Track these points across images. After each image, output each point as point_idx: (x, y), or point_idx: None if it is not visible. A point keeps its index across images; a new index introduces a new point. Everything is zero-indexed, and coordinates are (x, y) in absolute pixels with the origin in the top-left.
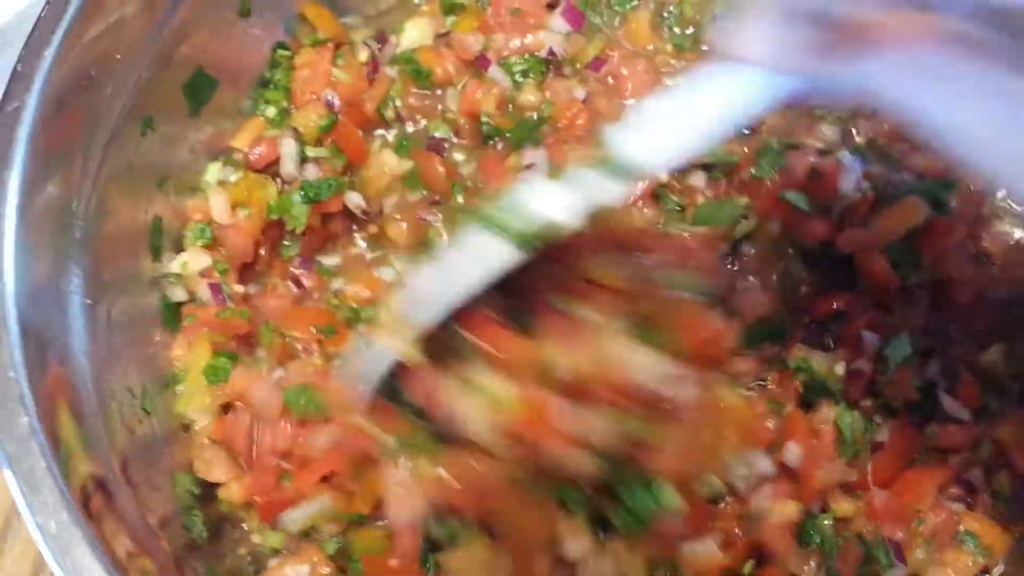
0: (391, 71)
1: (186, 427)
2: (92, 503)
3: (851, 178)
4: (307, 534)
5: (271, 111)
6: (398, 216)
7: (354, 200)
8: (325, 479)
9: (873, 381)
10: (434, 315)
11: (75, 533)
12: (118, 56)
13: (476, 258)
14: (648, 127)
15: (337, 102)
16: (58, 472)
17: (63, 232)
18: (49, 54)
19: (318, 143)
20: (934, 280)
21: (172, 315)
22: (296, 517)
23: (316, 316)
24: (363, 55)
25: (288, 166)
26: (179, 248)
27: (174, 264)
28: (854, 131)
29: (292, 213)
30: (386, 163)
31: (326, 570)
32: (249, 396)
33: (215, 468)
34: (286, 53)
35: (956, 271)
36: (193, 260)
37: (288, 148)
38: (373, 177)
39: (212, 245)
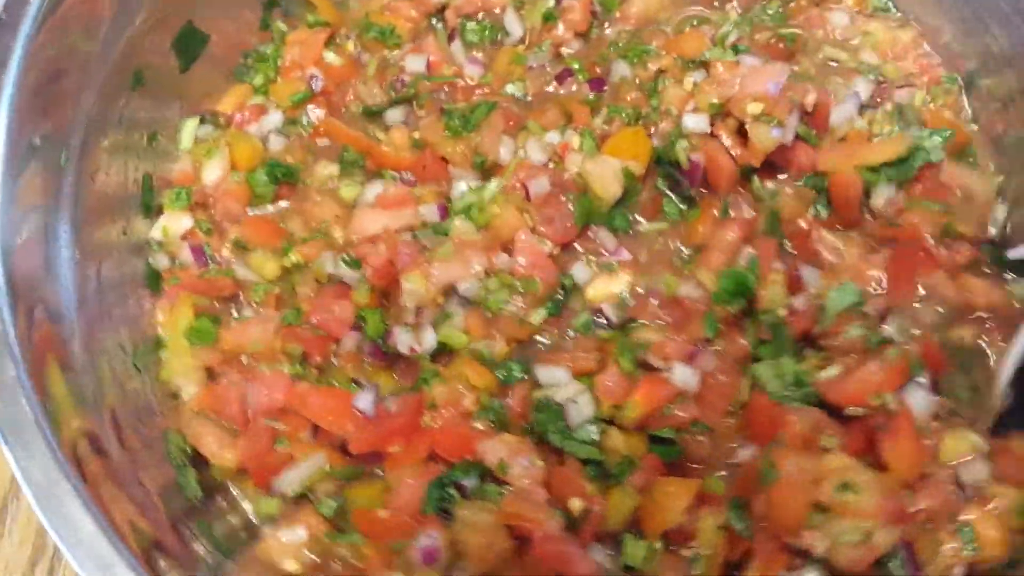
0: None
1: (175, 396)
2: (83, 458)
3: None
4: (303, 499)
5: (259, 79)
6: None
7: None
8: (317, 434)
9: None
10: None
11: (64, 487)
12: (107, 7)
13: None
14: None
15: (320, 84)
16: (46, 424)
17: (52, 186)
18: (35, 2)
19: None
20: None
21: (155, 279)
22: (292, 479)
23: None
24: (351, 45)
25: (267, 129)
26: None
27: (155, 230)
28: None
29: (256, 191)
30: None
31: (323, 529)
32: (246, 342)
33: (206, 438)
34: (283, 27)
35: None
36: (173, 223)
37: (273, 117)
38: None
39: (195, 206)
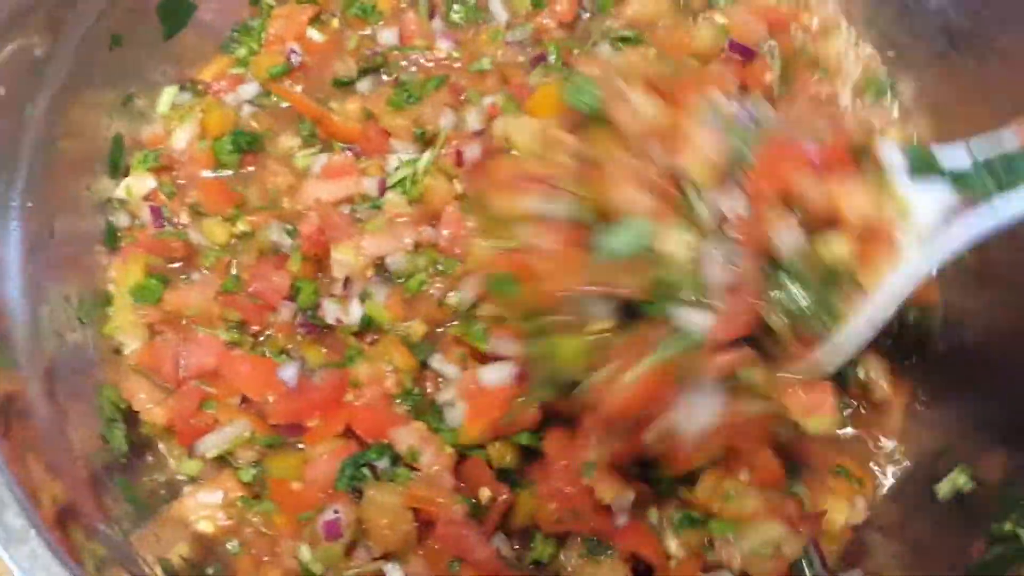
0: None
1: (117, 351)
2: (5, 417)
3: None
4: (226, 463)
5: (242, 51)
6: None
7: None
8: (245, 401)
9: None
10: None
11: None
12: None
13: None
14: None
15: (299, 58)
16: None
17: (11, 136)
18: None
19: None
20: None
21: (113, 237)
22: (213, 442)
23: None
24: (335, 22)
25: (242, 99)
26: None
27: (119, 189)
28: None
29: (220, 159)
30: None
31: (239, 494)
32: (186, 305)
33: (139, 394)
34: (271, 1)
35: None
36: (137, 184)
37: (249, 88)
38: None
39: (160, 169)
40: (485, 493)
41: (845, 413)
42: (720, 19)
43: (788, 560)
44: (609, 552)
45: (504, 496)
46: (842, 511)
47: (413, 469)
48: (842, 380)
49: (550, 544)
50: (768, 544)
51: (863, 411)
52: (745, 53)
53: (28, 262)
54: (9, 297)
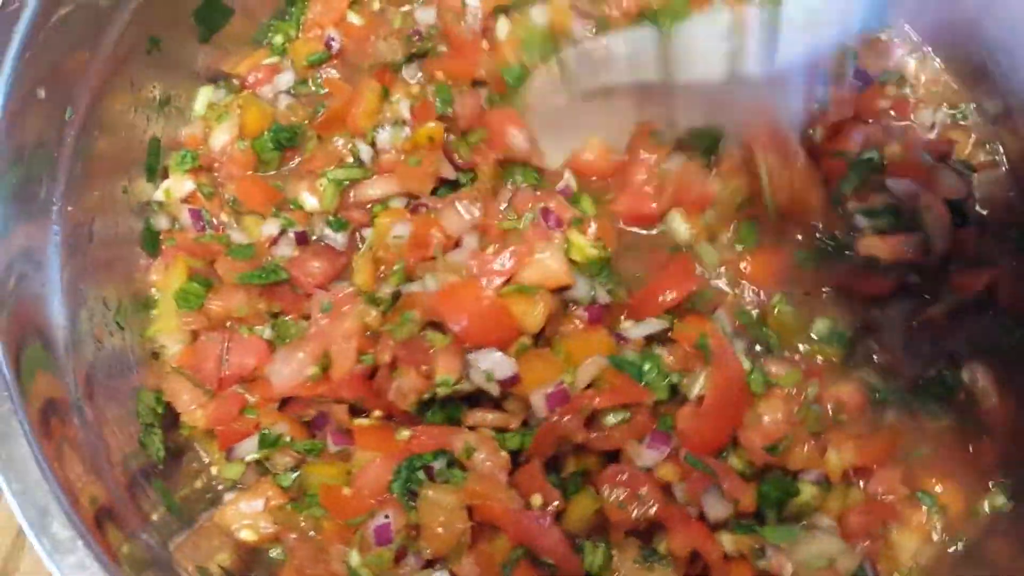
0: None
1: (156, 355)
2: (47, 418)
3: None
4: (265, 470)
5: (278, 39)
6: None
7: None
8: (284, 406)
9: None
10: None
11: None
12: None
13: None
14: None
15: (337, 44)
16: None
17: (52, 138)
18: None
19: (304, 77)
20: None
21: (152, 240)
22: (251, 445)
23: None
24: (376, 5)
25: (278, 89)
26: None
27: (158, 192)
28: None
29: (262, 158)
30: None
31: (280, 502)
32: (232, 306)
33: (182, 395)
34: None
35: None
36: (176, 186)
37: (285, 77)
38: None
39: (199, 169)
40: (537, 500)
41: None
42: None
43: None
44: (662, 560)
45: (556, 502)
46: (909, 544)
47: (467, 471)
48: (944, 386)
49: (600, 552)
50: (822, 556)
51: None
52: None
53: (67, 265)
54: (49, 300)
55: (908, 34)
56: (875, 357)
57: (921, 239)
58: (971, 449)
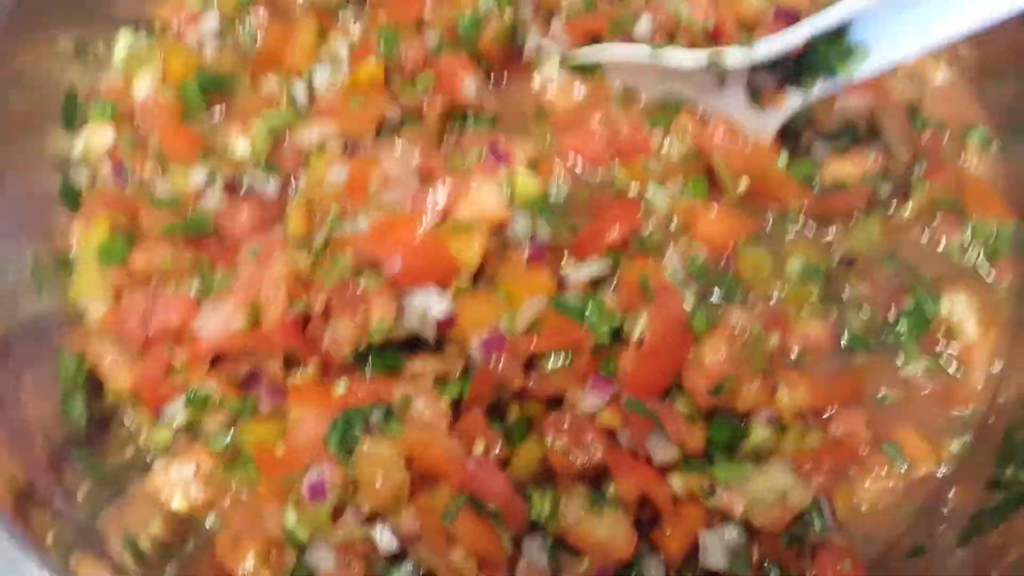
0: None
1: (79, 318)
2: None
3: None
4: (196, 434)
5: None
6: None
7: None
8: (215, 365)
9: None
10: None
11: None
12: None
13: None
14: None
15: None
16: None
17: None
18: None
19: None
20: None
21: (72, 196)
22: (180, 406)
23: None
24: None
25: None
26: None
27: (77, 145)
28: None
29: (188, 105)
30: None
31: (211, 466)
32: (157, 259)
33: (105, 358)
34: None
35: None
36: (96, 137)
37: (211, 21)
38: None
39: (120, 120)
40: (479, 447)
41: (922, 367)
42: None
43: (794, 510)
44: (611, 504)
45: (498, 448)
46: (870, 488)
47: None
48: (921, 319)
49: (548, 499)
50: (773, 491)
51: (942, 363)
52: (791, 17)
53: None
54: None
55: None
56: (852, 291)
57: (882, 148)
58: (944, 397)
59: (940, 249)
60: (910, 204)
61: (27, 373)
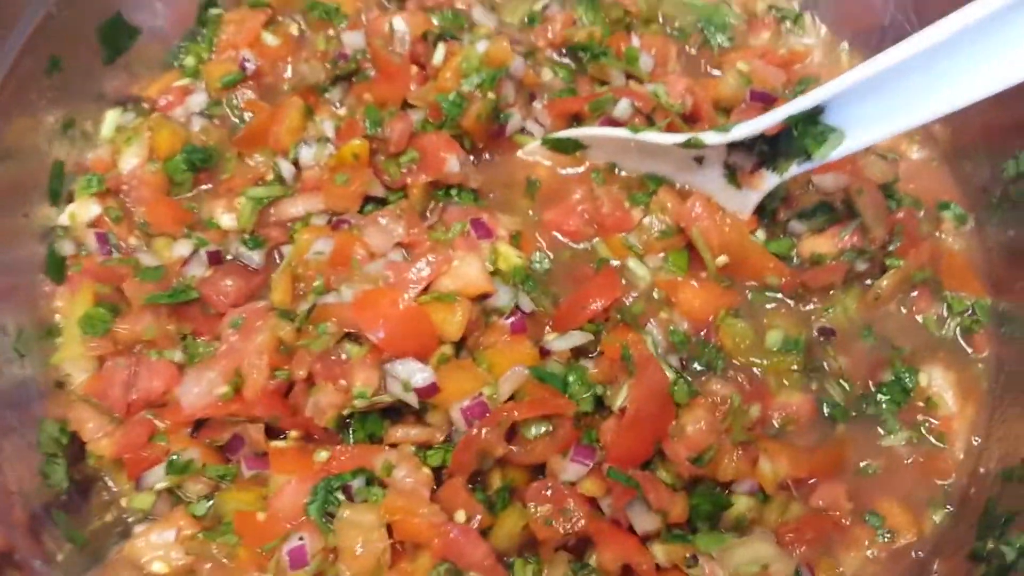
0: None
1: (60, 384)
2: None
3: None
4: (178, 499)
5: (190, 60)
6: None
7: None
8: (197, 431)
9: None
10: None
11: None
12: None
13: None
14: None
15: (252, 65)
16: None
17: None
18: None
19: (218, 99)
20: None
21: (57, 266)
22: (160, 473)
23: None
24: (294, 28)
25: (191, 111)
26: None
27: (62, 216)
28: None
29: (175, 179)
30: None
31: (192, 531)
32: (140, 329)
33: (87, 424)
34: (217, 11)
35: None
36: (82, 210)
37: (198, 99)
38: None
39: (106, 193)
40: (461, 515)
41: (903, 437)
42: (743, 66)
43: None
44: (594, 574)
45: (480, 516)
46: (853, 559)
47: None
48: (901, 391)
49: (530, 568)
50: (756, 562)
51: (924, 433)
52: (766, 100)
53: None
54: None
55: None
56: (831, 363)
57: (858, 225)
58: (926, 468)
59: (918, 322)
60: (886, 280)
61: (7, 439)
